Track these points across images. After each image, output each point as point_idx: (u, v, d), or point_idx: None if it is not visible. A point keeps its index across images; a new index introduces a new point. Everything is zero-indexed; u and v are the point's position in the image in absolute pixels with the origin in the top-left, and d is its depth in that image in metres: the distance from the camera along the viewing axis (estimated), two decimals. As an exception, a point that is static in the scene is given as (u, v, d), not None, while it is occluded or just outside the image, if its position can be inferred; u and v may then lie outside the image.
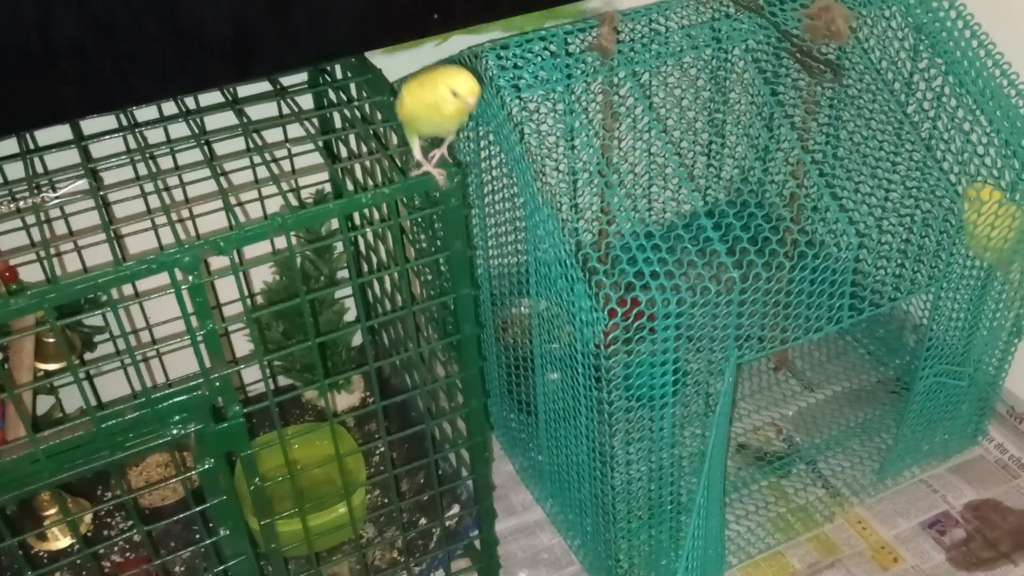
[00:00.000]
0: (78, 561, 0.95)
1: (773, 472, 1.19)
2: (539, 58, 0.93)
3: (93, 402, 1.04)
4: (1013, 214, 0.98)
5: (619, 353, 0.88)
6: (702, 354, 0.96)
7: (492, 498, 0.99)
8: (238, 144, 0.85)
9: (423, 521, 1.04)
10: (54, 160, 0.82)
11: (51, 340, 0.92)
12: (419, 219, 0.86)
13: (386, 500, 1.05)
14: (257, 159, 0.80)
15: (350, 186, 1.05)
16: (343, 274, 1.08)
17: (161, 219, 0.75)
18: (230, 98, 0.88)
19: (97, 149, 0.82)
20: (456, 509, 1.04)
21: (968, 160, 1.02)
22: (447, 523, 1.03)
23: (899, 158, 1.06)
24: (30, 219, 0.77)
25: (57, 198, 0.74)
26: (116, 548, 0.98)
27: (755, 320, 0.93)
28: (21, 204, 0.71)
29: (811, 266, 0.92)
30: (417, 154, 0.77)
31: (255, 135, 0.82)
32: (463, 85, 0.75)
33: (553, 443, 1.06)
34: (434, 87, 0.75)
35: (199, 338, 0.72)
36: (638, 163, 1.00)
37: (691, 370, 0.99)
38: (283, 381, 1.16)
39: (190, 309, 0.70)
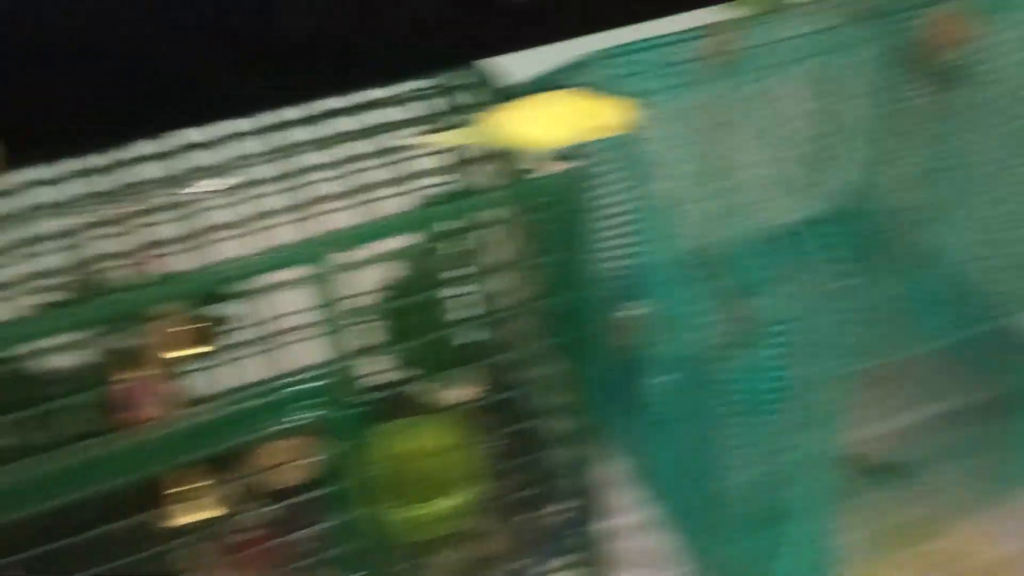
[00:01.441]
0: (203, 538, 0.99)
1: (880, 484, 1.15)
2: (651, 67, 0.92)
3: (220, 388, 1.09)
4: None
5: (728, 358, 0.87)
6: (809, 362, 0.94)
7: (598, 496, 0.99)
8: (365, 147, 0.87)
9: (530, 515, 1.04)
10: (201, 158, 0.86)
11: (185, 327, 0.95)
12: (534, 221, 0.87)
13: (495, 493, 1.06)
14: (383, 161, 0.82)
15: (470, 188, 1.07)
16: (460, 271, 1.09)
17: (294, 216, 0.77)
18: (359, 103, 0.91)
19: (238, 148, 0.86)
20: (563, 505, 1.04)
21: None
22: (553, 518, 1.03)
23: (1017, 172, 1.01)
24: (174, 214, 0.80)
25: (202, 193, 0.77)
26: (241, 526, 1.01)
27: (860, 331, 0.90)
28: (169, 199, 0.75)
29: (919, 279, 0.90)
30: (536, 156, 0.77)
31: (380, 137, 0.84)
32: (619, 119, 0.75)
33: (661, 445, 1.05)
34: (582, 113, 0.75)
35: (329, 329, 0.74)
36: (748, 171, 0.98)
37: (799, 378, 0.97)
38: (399, 374, 1.18)
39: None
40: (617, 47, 0.93)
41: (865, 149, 1.13)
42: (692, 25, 0.95)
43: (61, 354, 0.94)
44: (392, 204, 0.87)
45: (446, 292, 1.09)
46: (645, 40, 0.94)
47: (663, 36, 0.95)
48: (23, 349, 0.69)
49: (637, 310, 1.03)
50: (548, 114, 0.75)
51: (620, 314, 1.12)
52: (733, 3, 1.02)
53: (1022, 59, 1.02)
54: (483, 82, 0.92)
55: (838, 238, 0.90)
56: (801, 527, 0.96)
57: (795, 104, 1.06)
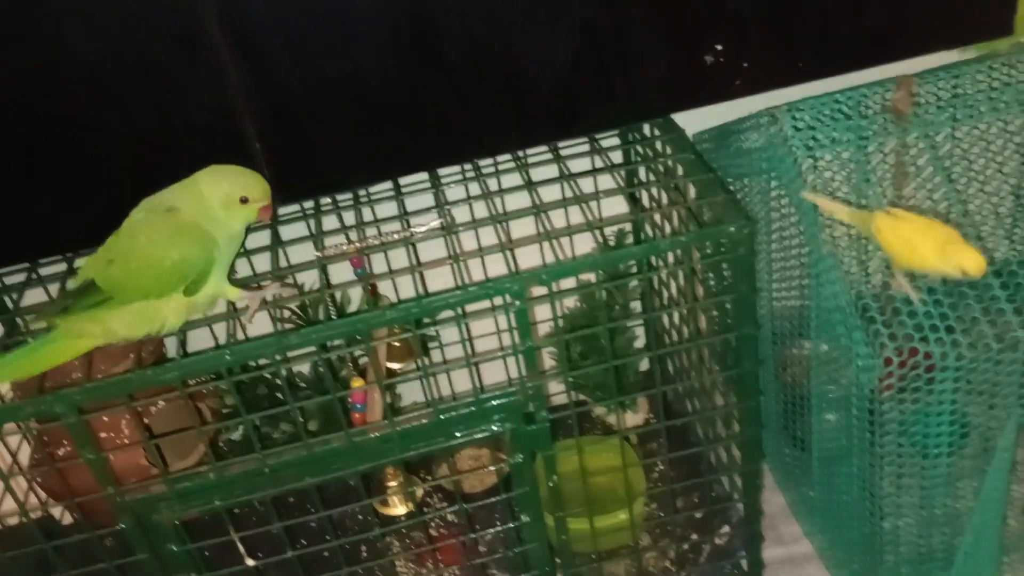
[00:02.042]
0: (404, 530, 1.11)
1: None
2: (833, 119, 0.97)
3: (422, 399, 1.21)
4: None
5: (894, 401, 0.89)
6: (984, 409, 0.94)
7: (761, 524, 1.03)
8: (557, 191, 0.97)
9: (695, 536, 1.10)
10: (414, 202, 0.99)
11: (399, 344, 1.09)
12: (710, 263, 0.93)
13: (662, 513, 1.12)
14: (572, 205, 0.92)
15: (649, 231, 1.14)
16: (636, 305, 1.17)
17: (494, 253, 0.88)
18: (553, 153, 1.01)
19: (447, 193, 0.98)
20: (727, 529, 1.09)
21: None
22: (717, 541, 1.08)
23: None
24: (396, 248, 0.93)
25: (420, 233, 0.90)
26: (433, 524, 1.13)
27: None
28: (395, 236, 0.87)
29: None
30: (901, 281, 0.87)
31: (572, 183, 0.94)
32: (974, 264, 0.80)
33: (825, 481, 1.07)
34: (944, 250, 0.81)
35: (520, 352, 0.84)
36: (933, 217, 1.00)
37: (972, 424, 0.97)
38: (577, 397, 1.27)
39: (515, 327, 0.83)
40: (803, 100, 0.98)
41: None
42: (878, 77, 0.99)
43: (305, 362, 1.10)
44: (582, 245, 0.96)
45: (625, 324, 1.17)
46: (832, 92, 0.99)
47: (848, 88, 0.99)
48: (276, 358, 0.83)
49: (809, 349, 1.06)
50: (921, 239, 0.83)
51: (793, 352, 1.16)
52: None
53: None
54: (673, 132, 1.00)
55: (1020, 288, 0.90)
56: (968, 574, 0.96)
57: (988, 153, 1.06)
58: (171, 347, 1.05)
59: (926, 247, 0.83)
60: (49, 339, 0.83)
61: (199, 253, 0.82)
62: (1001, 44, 1.03)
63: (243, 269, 1.03)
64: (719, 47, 0.94)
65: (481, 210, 0.93)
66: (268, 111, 0.88)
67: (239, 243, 0.88)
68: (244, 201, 0.84)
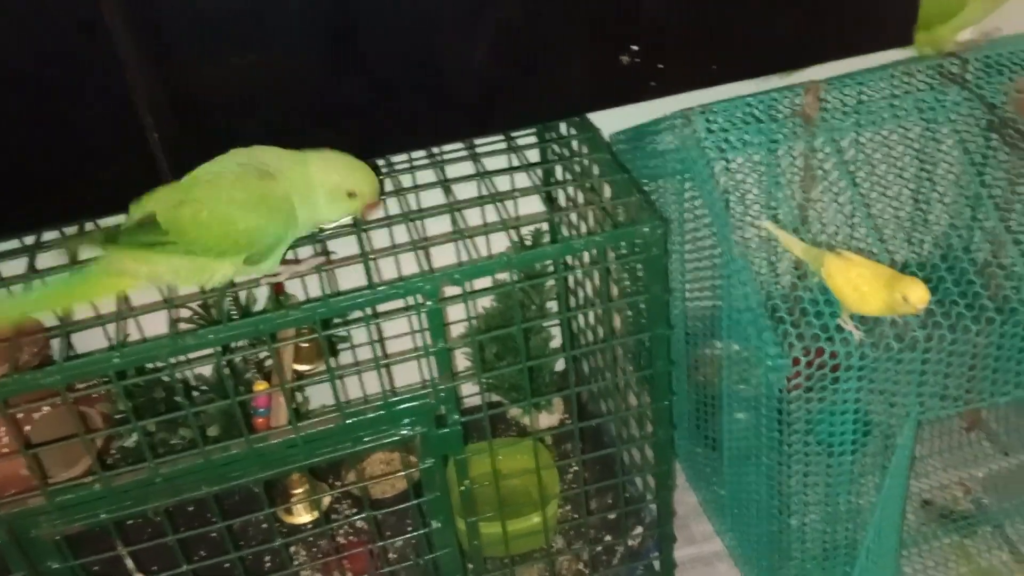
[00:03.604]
0: (311, 538, 1.08)
1: (957, 531, 1.16)
2: (745, 122, 0.98)
3: (331, 401, 1.19)
4: None
5: (801, 400, 0.91)
6: (885, 406, 0.97)
7: (673, 524, 1.04)
8: (472, 189, 0.96)
9: (608, 538, 1.10)
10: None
11: (306, 345, 1.06)
12: (624, 264, 0.93)
13: (576, 515, 1.13)
14: (487, 203, 0.91)
15: (565, 231, 1.15)
16: (552, 304, 1.17)
17: (406, 251, 0.86)
18: (468, 150, 1.00)
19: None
20: (639, 530, 1.10)
21: None
22: (630, 542, 1.08)
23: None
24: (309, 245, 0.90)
25: (328, 230, 0.87)
26: (341, 531, 1.11)
27: (939, 378, 0.93)
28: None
29: (997, 330, 0.92)
30: (847, 323, 0.88)
31: (488, 182, 0.93)
32: (917, 296, 0.83)
33: (735, 480, 1.09)
34: (889, 287, 0.84)
35: (431, 354, 0.82)
36: (832, 224, 1.02)
37: (874, 421, 1.01)
38: (491, 398, 1.26)
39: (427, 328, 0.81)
40: (715, 103, 1.00)
41: (961, 202, 1.16)
42: (789, 83, 1.02)
43: (204, 365, 1.06)
44: (497, 244, 0.95)
45: (541, 324, 1.17)
46: (742, 96, 1.01)
47: (759, 92, 1.01)
48: (173, 360, 0.79)
49: (721, 349, 1.08)
50: (869, 285, 0.86)
51: (705, 352, 1.17)
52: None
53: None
54: (589, 132, 1.00)
55: (935, 281, 0.94)
56: (870, 569, 0.99)
57: (889, 163, 1.10)
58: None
59: (874, 294, 0.85)
60: (88, 272, 0.78)
61: (276, 229, 0.78)
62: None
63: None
64: (635, 48, 0.95)
65: (394, 207, 0.91)
66: (171, 104, 0.85)
67: (316, 229, 0.84)
68: (352, 195, 0.80)
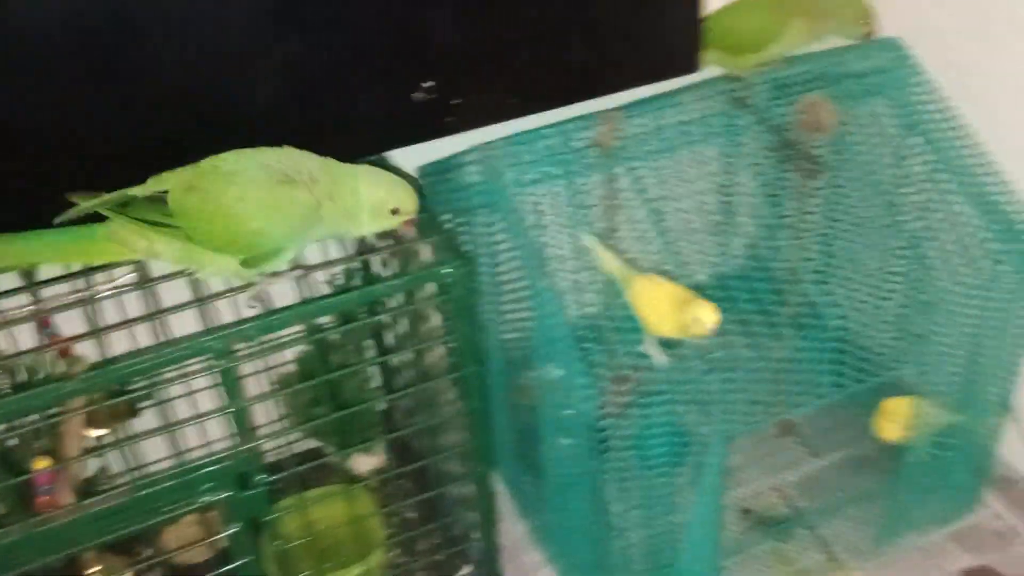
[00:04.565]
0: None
1: (775, 536, 1.21)
2: (544, 154, 1.00)
3: (136, 464, 1.12)
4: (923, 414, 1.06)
5: (616, 422, 0.93)
6: (699, 423, 1.00)
7: (500, 559, 1.04)
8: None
9: (437, 578, 1.09)
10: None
11: (102, 415, 0.99)
12: (427, 305, 0.93)
13: (405, 558, 1.11)
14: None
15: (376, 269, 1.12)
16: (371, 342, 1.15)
17: (199, 306, 0.82)
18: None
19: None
20: (467, 569, 1.09)
21: (952, 252, 1.06)
22: (459, 581, 1.08)
23: (885, 248, 1.10)
24: (85, 307, 0.84)
25: (108, 288, 0.82)
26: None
27: (743, 394, 0.97)
28: (82, 294, 0.80)
29: (810, 338, 0.97)
30: (650, 347, 0.91)
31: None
32: (708, 317, 0.87)
33: (560, 506, 1.10)
34: (682, 308, 0.87)
35: (227, 414, 0.79)
36: (634, 249, 1.05)
37: (692, 438, 1.04)
38: (311, 444, 1.22)
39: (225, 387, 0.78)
40: (515, 135, 1.01)
41: (759, 218, 1.22)
42: (584, 112, 1.04)
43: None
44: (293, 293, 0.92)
45: (353, 368, 1.14)
46: (542, 128, 1.02)
47: (558, 123, 1.03)
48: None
49: (538, 377, 1.09)
50: (664, 306, 0.89)
51: (522, 382, 1.18)
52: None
53: (875, 143, 1.12)
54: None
55: (732, 301, 0.98)
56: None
57: (689, 181, 1.14)
58: None
59: (669, 315, 0.89)
60: (91, 234, 0.77)
61: (281, 236, 0.77)
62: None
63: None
64: (429, 84, 0.94)
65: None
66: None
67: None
68: (395, 212, 0.81)
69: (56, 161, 0.84)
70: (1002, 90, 1.11)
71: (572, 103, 1.04)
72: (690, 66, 1.06)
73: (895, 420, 1.13)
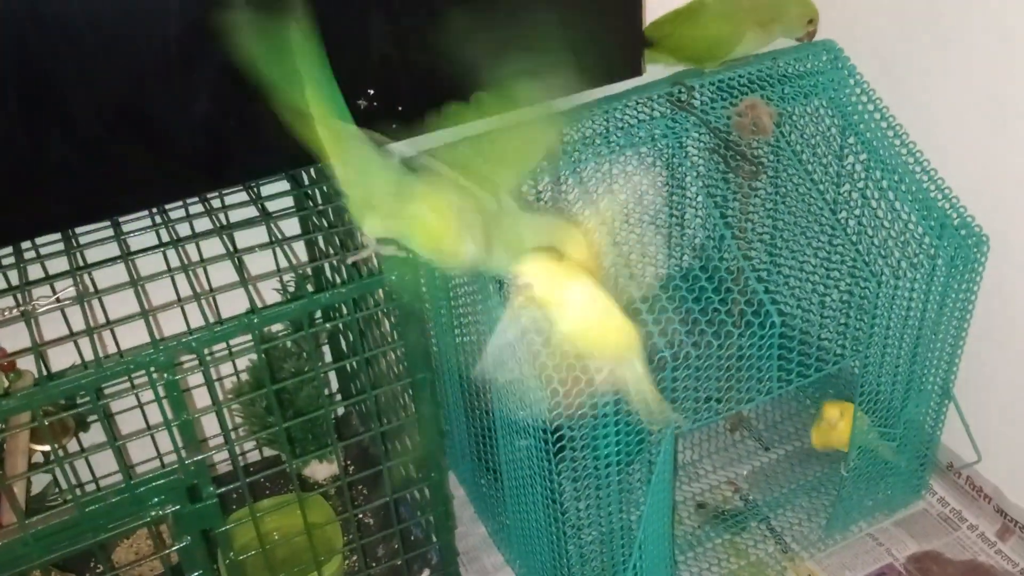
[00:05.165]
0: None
1: (728, 529, 1.22)
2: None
3: (87, 477, 1.09)
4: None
5: (568, 423, 0.93)
6: (656, 419, 1.00)
7: (457, 562, 1.03)
8: (213, 247, 0.91)
9: (396, 584, 1.07)
10: (51, 265, 0.88)
11: (46, 431, 0.96)
12: (377, 311, 0.91)
13: (364, 565, 1.09)
14: (224, 260, 0.86)
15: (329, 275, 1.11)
16: (326, 349, 1.13)
17: (143, 317, 0.80)
18: (204, 205, 0.94)
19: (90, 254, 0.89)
20: (427, 573, 1.08)
21: (890, 248, 1.08)
22: (418, 586, 1.06)
23: (826, 246, 1.11)
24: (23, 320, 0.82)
25: (49, 302, 0.80)
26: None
27: (690, 392, 0.98)
28: (22, 308, 0.77)
29: (758, 332, 0.97)
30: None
31: (233, 236, 0.88)
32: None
33: (516, 507, 1.09)
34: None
35: (173, 427, 0.77)
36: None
37: (643, 436, 1.04)
38: (269, 451, 1.20)
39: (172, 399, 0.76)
40: (460, 140, 1.00)
41: (705, 218, 1.23)
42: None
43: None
44: (243, 302, 0.90)
45: (304, 376, 1.13)
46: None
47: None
48: None
49: (493, 380, 1.08)
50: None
51: (479, 384, 1.17)
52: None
53: (813, 143, 1.14)
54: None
55: (679, 300, 0.98)
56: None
57: (635, 183, 1.14)
58: None
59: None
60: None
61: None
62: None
63: None
64: (371, 91, 0.93)
65: (122, 271, 0.85)
66: None
67: None
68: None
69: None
70: (934, 90, 1.13)
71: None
72: (635, 70, 1.06)
73: (829, 433, 1.15)
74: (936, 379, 1.15)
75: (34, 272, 0.86)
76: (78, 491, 1.02)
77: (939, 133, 1.10)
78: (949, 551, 1.18)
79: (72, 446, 1.04)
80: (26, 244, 0.89)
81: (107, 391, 0.99)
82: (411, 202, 0.77)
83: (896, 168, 1.09)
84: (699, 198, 1.18)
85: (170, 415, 0.76)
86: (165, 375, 0.75)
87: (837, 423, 1.13)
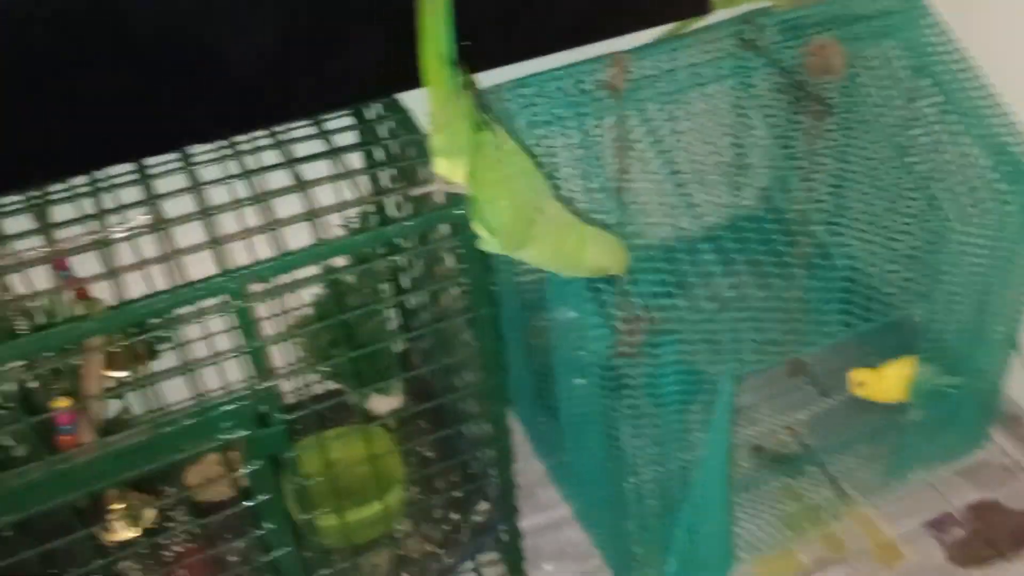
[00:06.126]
0: (142, 551, 1.01)
1: (786, 473, 1.20)
2: (554, 96, 0.96)
3: (156, 405, 1.10)
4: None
5: (628, 362, 0.91)
6: (714, 361, 0.98)
7: (515, 496, 1.02)
8: (283, 179, 0.90)
9: (455, 516, 1.07)
10: (127, 195, 0.88)
11: (119, 350, 0.98)
12: (441, 245, 0.90)
13: (423, 496, 1.09)
14: (296, 192, 0.84)
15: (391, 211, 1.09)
16: (387, 286, 1.12)
17: (215, 247, 0.80)
18: (273, 138, 0.93)
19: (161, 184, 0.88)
20: (485, 505, 1.08)
21: (959, 194, 1.03)
22: (476, 518, 1.06)
23: (893, 190, 1.07)
24: (102, 248, 0.82)
25: (126, 230, 0.80)
26: (178, 540, 1.03)
27: (753, 333, 0.95)
28: (96, 236, 0.77)
29: (822, 277, 0.94)
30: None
31: (299, 169, 0.87)
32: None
33: (575, 444, 1.08)
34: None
35: (245, 353, 0.77)
36: (646, 191, 1.02)
37: (704, 377, 1.01)
38: (332, 386, 1.20)
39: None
40: (525, 77, 0.97)
41: (771, 160, 1.19)
42: (595, 55, 1.00)
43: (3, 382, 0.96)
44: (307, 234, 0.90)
45: (368, 309, 1.12)
46: (551, 70, 0.99)
47: (568, 65, 0.99)
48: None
49: (552, 319, 1.07)
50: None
51: (537, 323, 1.16)
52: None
53: (884, 85, 1.08)
54: (400, 113, 0.95)
55: (743, 242, 0.95)
56: (706, 518, 1.01)
57: (700, 123, 1.11)
58: None
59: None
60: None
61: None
62: None
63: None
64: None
65: (195, 204, 0.84)
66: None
67: None
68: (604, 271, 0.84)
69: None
70: (1011, 32, 1.06)
71: (582, 45, 1.00)
72: (702, 7, 1.02)
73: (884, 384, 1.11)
74: (1003, 328, 1.10)
75: (107, 201, 0.86)
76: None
77: (1016, 77, 1.04)
78: (1008, 501, 1.14)
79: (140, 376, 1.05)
80: (99, 174, 0.89)
81: (177, 319, 0.99)
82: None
83: (970, 112, 1.04)
84: (765, 140, 1.13)
85: (241, 343, 0.76)
86: (236, 302, 0.74)
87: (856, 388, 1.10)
